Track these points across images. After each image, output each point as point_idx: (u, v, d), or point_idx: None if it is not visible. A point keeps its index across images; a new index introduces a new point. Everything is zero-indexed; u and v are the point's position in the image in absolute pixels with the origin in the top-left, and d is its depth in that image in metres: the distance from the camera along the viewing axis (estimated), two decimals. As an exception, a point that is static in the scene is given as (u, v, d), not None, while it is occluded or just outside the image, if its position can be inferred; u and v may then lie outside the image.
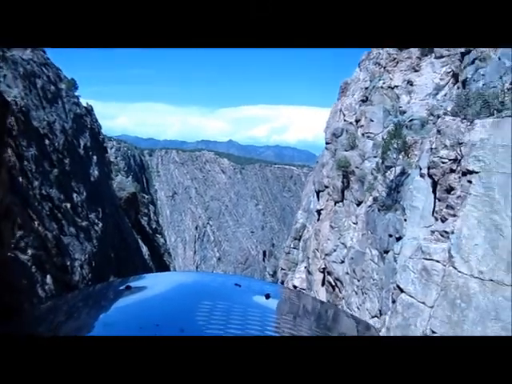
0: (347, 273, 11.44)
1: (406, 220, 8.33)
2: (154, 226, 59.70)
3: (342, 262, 12.38)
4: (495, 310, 5.02)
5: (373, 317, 9.05)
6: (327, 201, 14.62)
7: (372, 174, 11.09)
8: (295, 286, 18.50)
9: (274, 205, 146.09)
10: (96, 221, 26.26)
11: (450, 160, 6.32)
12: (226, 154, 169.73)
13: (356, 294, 10.28)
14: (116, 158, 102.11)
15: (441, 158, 6.43)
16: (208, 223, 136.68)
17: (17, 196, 18.36)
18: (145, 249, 41.98)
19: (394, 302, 7.22)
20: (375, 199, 10.40)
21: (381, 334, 7.85)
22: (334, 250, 13.01)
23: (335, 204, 13.91)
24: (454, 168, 6.19)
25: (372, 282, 9.43)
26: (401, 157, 9.73)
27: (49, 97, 26.44)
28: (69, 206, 22.86)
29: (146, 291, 2.18)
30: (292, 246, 22.02)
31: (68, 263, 20.45)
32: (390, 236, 9.00)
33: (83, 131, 30.22)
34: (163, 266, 47.52)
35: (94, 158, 30.54)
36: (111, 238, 28.90)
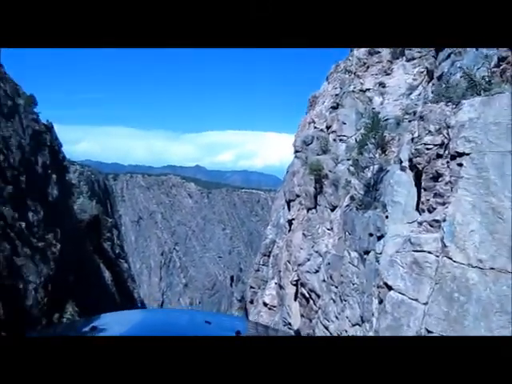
0: (324, 280, 10.81)
1: (387, 217, 7.88)
2: (117, 251, 57.57)
3: (317, 271, 11.78)
4: (499, 302, 4.54)
5: (353, 325, 8.42)
6: (299, 210, 14.10)
7: (348, 172, 10.63)
8: (266, 304, 17.70)
9: (242, 229, 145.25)
10: (54, 242, 24.72)
11: (435, 145, 5.94)
12: (193, 178, 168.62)
13: (334, 302, 9.64)
14: (79, 182, 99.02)
15: (425, 144, 6.05)
16: (174, 248, 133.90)
17: (-36, 213, 16.94)
18: (107, 274, 40.09)
19: (381, 302, 6.65)
20: (352, 198, 9.93)
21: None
22: (308, 260, 12.39)
23: (308, 211, 13.39)
24: (441, 153, 5.80)
25: (352, 286, 8.83)
26: (377, 155, 9.38)
27: (5, 111, 25.11)
28: (23, 225, 21.38)
29: (114, 332, 2.10)
30: (261, 262, 21.27)
31: (21, 286, 18.89)
32: (371, 235, 8.50)
33: (42, 149, 28.81)
34: (126, 292, 45.56)
35: (53, 176, 29.07)
36: (70, 260, 27.27)
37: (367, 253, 8.54)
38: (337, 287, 9.63)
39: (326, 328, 9.65)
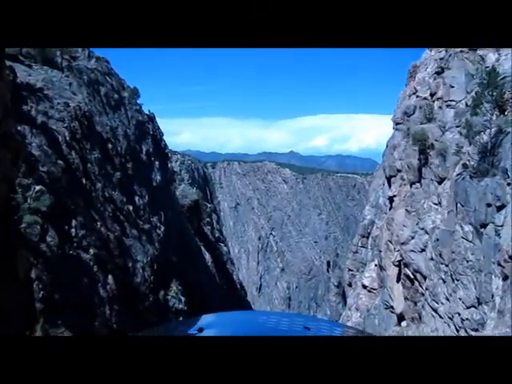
0: (431, 258, 9.80)
1: (509, 184, 6.77)
2: (216, 235, 60.04)
3: (423, 250, 10.76)
4: None
5: (468, 307, 7.48)
6: (400, 186, 13.03)
7: (460, 137, 9.42)
8: (365, 286, 16.92)
9: (338, 214, 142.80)
10: (158, 224, 26.29)
11: None
12: (288, 164, 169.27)
13: (444, 282, 8.66)
14: (180, 170, 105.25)
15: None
16: (271, 233, 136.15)
17: (80, 196, 18.56)
18: (207, 256, 41.92)
19: (505, 278, 5.74)
20: (465, 166, 8.74)
21: (492, 321, 6.42)
22: (412, 238, 11.38)
23: (411, 186, 12.28)
24: None
25: (466, 264, 7.79)
26: (495, 116, 8.14)
27: (112, 104, 27.10)
28: (131, 208, 22.98)
29: (217, 334, 2.07)
30: (359, 244, 20.37)
31: (130, 264, 20.37)
32: (489, 206, 7.35)
33: (145, 137, 30.70)
34: (226, 274, 47.31)
35: (156, 163, 30.87)
36: (173, 242, 28.86)
37: (484, 226, 7.43)
38: (447, 266, 8.60)
39: (435, 311, 8.75)
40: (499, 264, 6.09)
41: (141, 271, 21.03)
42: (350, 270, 20.68)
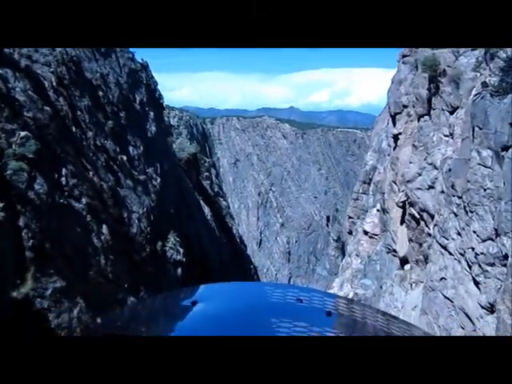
0: (442, 191, 9.19)
1: (537, 99, 6.08)
2: (216, 190, 59.76)
3: (430, 187, 10.18)
4: None
5: (484, 240, 6.97)
6: (406, 123, 12.24)
7: (477, 60, 8.55)
8: (366, 232, 16.57)
9: (338, 169, 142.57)
10: (154, 176, 25.71)
11: None
12: (287, 119, 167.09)
13: (456, 216, 8.10)
14: (178, 126, 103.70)
15: None
16: (270, 189, 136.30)
17: (70, 144, 17.83)
18: (207, 210, 41.70)
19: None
20: (484, 84, 7.95)
21: None
22: (419, 175, 10.74)
23: (419, 120, 11.50)
24: None
25: (483, 193, 7.18)
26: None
27: (102, 50, 25.77)
28: (125, 158, 22.30)
29: (210, 308, 2.12)
30: (361, 191, 19.79)
31: (125, 215, 19.95)
32: None
33: (139, 87, 29.54)
34: (225, 228, 47.36)
35: (151, 113, 29.88)
36: (171, 194, 28.42)
37: (507, 149, 6.73)
38: (460, 197, 7.96)
39: (444, 248, 8.27)
40: (523, 189, 5.54)
41: (137, 222, 20.66)
42: (350, 217, 20.24)
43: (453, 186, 8.39)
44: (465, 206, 7.69)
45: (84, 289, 14.36)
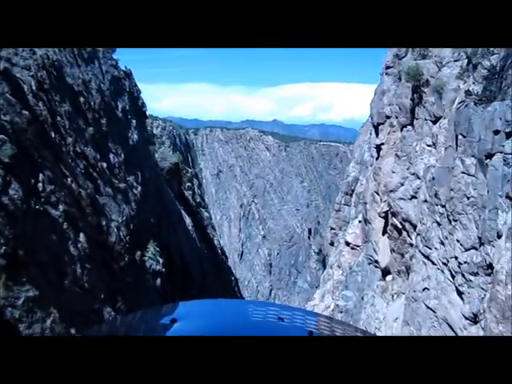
0: (425, 201, 9.14)
1: (521, 107, 6.10)
2: (198, 200, 59.35)
3: (413, 196, 10.15)
4: None
5: (467, 249, 6.91)
6: (389, 133, 12.26)
7: (461, 67, 8.60)
8: (348, 243, 16.50)
9: (320, 183, 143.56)
10: (135, 184, 25.29)
11: None
12: (271, 132, 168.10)
13: (438, 225, 8.06)
14: (161, 136, 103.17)
15: None
16: (253, 201, 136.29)
17: (48, 150, 17.38)
18: (188, 220, 41.27)
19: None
20: (468, 93, 7.96)
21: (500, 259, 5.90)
22: (401, 185, 10.72)
23: (402, 129, 11.52)
24: None
25: (466, 201, 7.14)
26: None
27: (84, 56, 25.45)
28: (105, 165, 21.86)
29: (188, 326, 2.06)
30: (343, 202, 19.77)
31: (104, 223, 19.47)
32: (497, 133, 6.66)
33: (121, 94, 29.20)
34: (207, 239, 46.95)
35: (133, 122, 29.52)
36: (151, 203, 27.99)
37: (490, 156, 6.71)
38: (443, 206, 7.92)
39: (427, 257, 8.21)
40: (508, 197, 5.48)
41: (115, 230, 20.18)
42: (332, 228, 20.18)
43: (436, 195, 8.37)
44: (448, 215, 7.65)
45: (58, 298, 13.87)
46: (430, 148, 10.13)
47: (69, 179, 18.19)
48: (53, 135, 18.85)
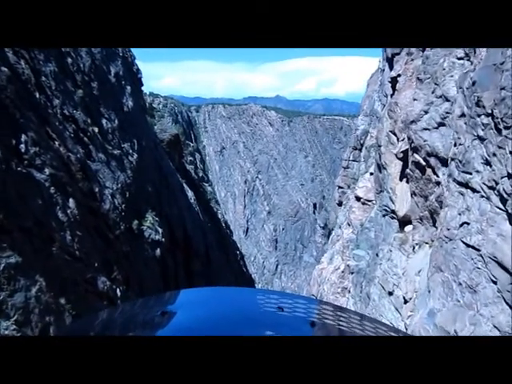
0: (462, 115, 7.68)
1: None
2: (200, 174, 58.27)
3: (441, 124, 8.78)
4: None
5: None
6: (406, 63, 10.78)
7: None
8: (359, 198, 15.24)
9: (324, 157, 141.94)
10: (130, 151, 24.09)
11: None
12: (274, 107, 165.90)
13: (482, 140, 6.55)
14: (163, 112, 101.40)
15: None
16: (257, 177, 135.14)
17: (32, 111, 16.12)
18: (190, 193, 40.26)
19: None
20: None
21: None
22: (426, 112, 9.29)
23: (423, 50, 10.05)
24: None
25: None
26: None
27: (72, 16, 23.91)
28: (97, 130, 20.61)
29: (182, 319, 1.98)
30: (351, 158, 18.40)
31: (96, 190, 18.35)
32: None
33: (114, 58, 27.74)
34: (210, 212, 46.06)
35: (128, 88, 28.12)
36: (150, 172, 26.86)
37: None
38: (489, 114, 6.51)
39: (465, 185, 6.82)
40: None
41: (110, 198, 19.07)
42: (340, 187, 18.88)
43: (478, 103, 6.94)
44: (496, 124, 6.27)
45: (45, 266, 12.82)
46: (461, 61, 8.64)
47: (56, 142, 16.97)
48: (37, 96, 17.57)
